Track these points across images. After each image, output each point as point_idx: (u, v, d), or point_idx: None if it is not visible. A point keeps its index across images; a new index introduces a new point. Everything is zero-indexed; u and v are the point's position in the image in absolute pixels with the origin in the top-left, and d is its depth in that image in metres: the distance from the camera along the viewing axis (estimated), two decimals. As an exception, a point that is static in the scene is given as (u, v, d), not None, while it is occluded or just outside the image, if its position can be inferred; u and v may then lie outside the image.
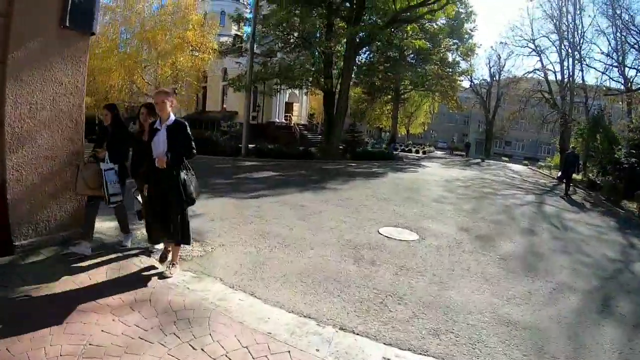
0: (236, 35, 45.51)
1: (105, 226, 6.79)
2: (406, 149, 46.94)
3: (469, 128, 74.30)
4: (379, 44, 28.63)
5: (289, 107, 48.33)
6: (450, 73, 35.60)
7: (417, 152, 46.26)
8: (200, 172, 14.13)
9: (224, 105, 44.91)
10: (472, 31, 35.46)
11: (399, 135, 54.09)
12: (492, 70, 54.01)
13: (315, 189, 13.28)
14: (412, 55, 33.78)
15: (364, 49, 30.85)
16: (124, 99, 32.11)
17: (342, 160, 25.01)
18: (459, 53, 35.71)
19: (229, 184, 14.05)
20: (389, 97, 45.16)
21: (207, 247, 6.78)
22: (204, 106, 47.54)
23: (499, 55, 51.76)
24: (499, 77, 51.37)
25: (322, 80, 25.70)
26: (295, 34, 26.92)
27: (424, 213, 10.41)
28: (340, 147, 27.23)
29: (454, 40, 35.03)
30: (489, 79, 54.36)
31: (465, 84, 48.62)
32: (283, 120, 46.26)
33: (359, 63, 36.17)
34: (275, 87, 30.45)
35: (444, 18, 30.29)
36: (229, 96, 43.64)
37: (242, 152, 23.68)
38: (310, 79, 27.38)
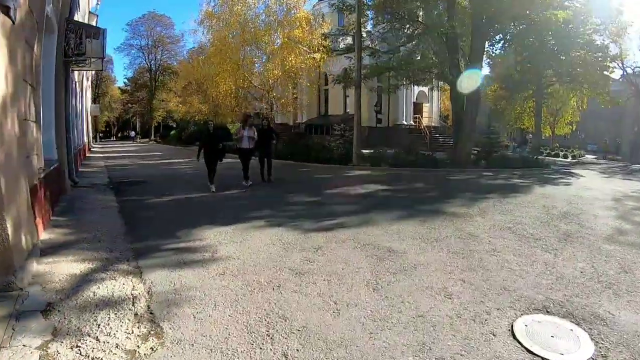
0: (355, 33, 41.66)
1: None
2: (552, 153, 38.66)
3: (622, 127, 61.85)
4: (512, 25, 23.43)
5: (417, 108, 44.03)
6: (599, 59, 28.34)
7: (565, 156, 38.39)
8: (288, 185, 13.61)
9: (347, 109, 41.51)
10: (621, 6, 28.27)
11: (543, 137, 46.97)
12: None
13: (425, 214, 9.03)
14: (552, 43, 27.02)
15: (498, 37, 25.91)
16: (231, 104, 30.57)
17: (474, 168, 20.13)
18: (607, 34, 28.67)
19: (309, 203, 10.70)
20: (530, 92, 38.46)
21: (163, 334, 3.77)
22: (326, 110, 45.00)
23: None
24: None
25: (447, 70, 21.03)
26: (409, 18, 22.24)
27: (597, 271, 5.51)
28: (473, 151, 22.41)
29: (598, 20, 28.05)
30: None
31: (616, 74, 39.38)
32: (411, 123, 42.13)
33: (493, 54, 31.16)
34: (395, 83, 26.27)
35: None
36: (352, 98, 40.60)
37: (353, 159, 20.20)
38: (435, 70, 22.69)
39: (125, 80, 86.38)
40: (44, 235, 6.75)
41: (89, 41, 12.47)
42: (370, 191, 12.65)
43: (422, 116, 43.68)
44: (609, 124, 60.10)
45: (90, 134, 50.64)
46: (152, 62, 77.46)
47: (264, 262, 5.73)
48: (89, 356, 3.31)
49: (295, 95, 32.89)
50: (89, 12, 33.38)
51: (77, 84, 19.86)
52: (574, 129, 50.96)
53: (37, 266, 5.22)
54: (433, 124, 44.39)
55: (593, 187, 14.61)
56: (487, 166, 20.70)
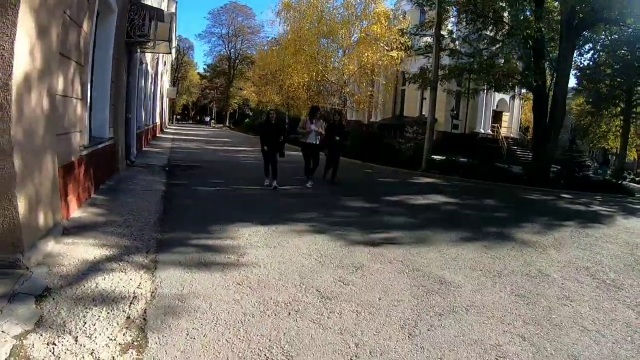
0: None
1: None
2: (637, 179, 34.47)
3: None
4: (606, 28, 21.32)
5: (497, 116, 42.04)
6: None
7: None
8: (347, 187, 12.72)
9: (422, 111, 39.97)
10: None
11: (628, 161, 43.46)
12: None
13: (490, 238, 7.79)
14: None
15: (587, 46, 23.84)
16: (304, 97, 30.03)
17: (552, 188, 18.06)
18: None
19: (363, 210, 9.71)
20: (619, 109, 35.41)
21: (145, 349, 3.20)
22: (401, 111, 43.83)
23: None
24: None
25: (531, 76, 19.38)
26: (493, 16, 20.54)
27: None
28: (553, 169, 20.49)
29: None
30: None
31: None
32: (489, 132, 40.23)
33: (581, 65, 28.82)
34: (475, 88, 24.65)
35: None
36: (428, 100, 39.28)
37: (422, 164, 19.12)
38: (517, 76, 21.00)
39: (205, 67, 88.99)
40: (76, 213, 6.56)
41: (153, 23, 12.49)
42: (434, 202, 11.55)
43: (501, 126, 41.70)
44: None
45: (166, 115, 52.15)
46: (232, 50, 79.24)
47: (291, 276, 4.94)
48: (59, 358, 2.93)
49: (370, 93, 31.92)
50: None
51: (149, 65, 20.05)
52: None
53: (54, 245, 4.98)
54: (512, 135, 42.25)
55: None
56: (566, 187, 18.71)
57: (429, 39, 22.52)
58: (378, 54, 28.10)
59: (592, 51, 25.19)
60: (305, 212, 8.71)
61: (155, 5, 23.19)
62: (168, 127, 51.40)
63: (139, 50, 14.30)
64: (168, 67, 50.40)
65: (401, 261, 5.85)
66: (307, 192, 11.26)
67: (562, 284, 5.60)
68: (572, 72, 23.08)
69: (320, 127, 11.82)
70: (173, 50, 53.65)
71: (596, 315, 4.62)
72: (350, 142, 16.97)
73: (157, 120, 31.24)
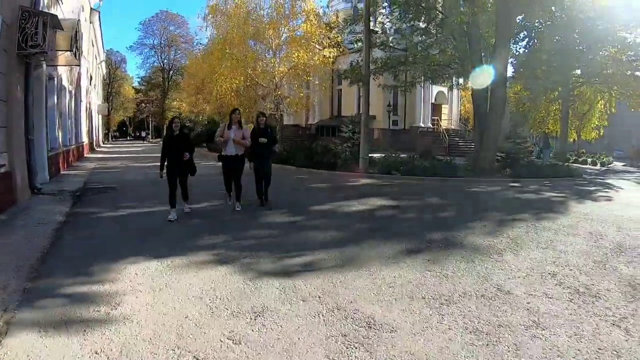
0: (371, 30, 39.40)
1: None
2: (579, 160, 35.92)
3: None
4: (537, 21, 20.85)
5: (436, 109, 41.67)
6: (631, 58, 24.20)
7: (593, 163, 34.79)
8: (279, 195, 11.40)
9: (360, 110, 39.09)
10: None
11: (569, 143, 44.03)
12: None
13: (435, 247, 6.64)
14: (579, 41, 23.59)
15: (522, 34, 23.29)
16: (234, 103, 28.55)
17: (498, 178, 17.48)
18: (638, 31, 25.09)
19: (283, 227, 8.24)
20: (556, 94, 35.43)
21: None
22: (339, 111, 42.91)
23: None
24: None
25: (468, 64, 18.45)
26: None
27: None
28: (497, 158, 19.78)
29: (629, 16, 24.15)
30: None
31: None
32: (429, 125, 39.79)
33: (517, 53, 28.47)
34: (411, 81, 23.67)
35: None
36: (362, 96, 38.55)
37: (359, 165, 17.92)
38: (455, 66, 20.00)
39: (139, 80, 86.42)
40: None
41: (50, 32, 10.73)
42: (370, 208, 10.36)
43: (440, 118, 41.37)
44: (635, 129, 56.53)
45: (99, 133, 49.68)
46: (165, 61, 77.05)
47: (167, 336, 3.61)
48: None
49: (302, 95, 30.62)
50: (91, 8, 31.91)
51: (64, 80, 18.67)
52: (601, 134, 47.94)
53: None
54: (452, 127, 42.00)
55: (638, 202, 12.23)
56: (512, 175, 18.04)
57: (360, 35, 21.45)
58: (309, 54, 26.97)
59: (527, 39, 24.71)
60: (213, 235, 7.34)
61: (72, 16, 21.90)
62: (102, 145, 49.36)
63: (44, 65, 12.85)
64: (98, 82, 48.04)
65: (319, 297, 4.55)
66: (223, 209, 9.90)
67: (528, 303, 4.47)
68: (510, 60, 22.39)
69: (242, 136, 9.70)
70: (103, 64, 52.05)
71: (578, 347, 3.51)
72: (281, 147, 15.83)
73: (84, 139, 29.33)
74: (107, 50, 77.27)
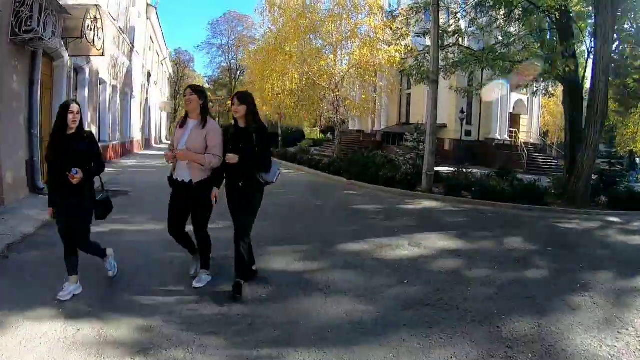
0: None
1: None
2: None
3: None
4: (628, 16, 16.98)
5: (514, 120, 37.31)
6: None
7: None
8: (290, 226, 8.69)
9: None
10: None
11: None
12: None
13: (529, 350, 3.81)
14: None
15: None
16: (290, 104, 26.07)
17: (593, 209, 13.76)
18: None
19: (275, 289, 5.23)
20: None
21: None
22: (407, 117, 39.48)
23: None
24: None
25: (559, 62, 14.84)
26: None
27: None
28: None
29: None
30: None
31: None
32: (506, 138, 35.70)
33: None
34: (487, 83, 20.03)
35: None
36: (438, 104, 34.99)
37: (422, 181, 14.79)
38: (542, 63, 16.16)
39: (206, 79, 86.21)
40: None
41: (54, 17, 9.65)
42: (424, 254, 7.22)
43: (519, 130, 37.16)
44: None
45: (161, 130, 49.01)
46: (232, 61, 75.84)
47: None
48: None
49: (365, 96, 27.57)
50: (147, 3, 30.50)
51: (102, 74, 18.10)
52: None
53: None
54: (531, 141, 37.39)
55: None
56: (609, 205, 14.35)
57: (428, 27, 18.24)
58: (373, 51, 24.07)
59: (617, 41, 20.66)
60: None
61: (118, 9, 20.58)
62: (164, 142, 48.62)
63: (65, 55, 11.91)
64: (162, 79, 48.16)
65: None
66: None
67: None
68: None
69: (203, 142, 4.97)
70: (167, 62, 51.39)
71: None
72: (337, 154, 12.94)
73: (135, 135, 28.36)
74: (176, 50, 78.20)
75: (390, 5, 23.56)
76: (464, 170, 17.09)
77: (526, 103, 38.24)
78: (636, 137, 36.33)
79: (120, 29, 21.22)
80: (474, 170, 17.98)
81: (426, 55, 16.96)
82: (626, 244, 9.18)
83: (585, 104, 16.03)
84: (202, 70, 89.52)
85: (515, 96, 36.35)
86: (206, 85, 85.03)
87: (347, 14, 24.08)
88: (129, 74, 24.52)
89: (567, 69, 14.47)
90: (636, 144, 37.19)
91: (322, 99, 26.24)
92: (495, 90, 26.66)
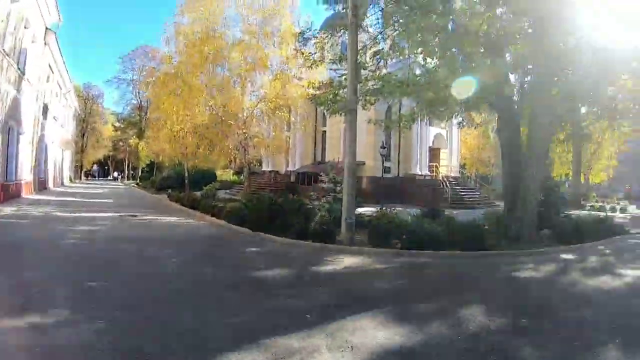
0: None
1: None
2: (597, 207, 31.39)
3: None
4: None
5: (433, 154, 36.23)
6: None
7: (613, 209, 30.71)
8: (173, 317, 5.79)
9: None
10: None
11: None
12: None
13: None
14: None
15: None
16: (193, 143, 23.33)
17: (541, 246, 12.38)
18: None
19: None
20: (566, 133, 30.24)
21: None
22: (322, 156, 37.37)
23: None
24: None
25: (494, 87, 12.91)
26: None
27: None
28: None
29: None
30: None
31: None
32: (427, 173, 34.35)
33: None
34: (411, 115, 17.81)
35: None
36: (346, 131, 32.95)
37: (341, 230, 12.20)
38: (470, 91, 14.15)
39: (116, 117, 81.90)
40: None
41: None
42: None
43: (439, 164, 36.05)
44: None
45: (62, 171, 44.53)
46: (143, 98, 71.41)
47: None
48: None
49: (275, 132, 24.83)
50: (46, 27, 26.91)
51: None
52: (611, 175, 44.34)
53: None
54: (452, 174, 36.41)
55: None
56: (553, 237, 13.40)
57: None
58: (285, 85, 21.84)
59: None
60: None
61: (24, 35, 17.51)
62: (65, 184, 45.26)
63: None
64: (65, 114, 44.55)
65: None
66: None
67: None
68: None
69: None
70: (71, 95, 46.77)
71: None
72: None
73: (23, 176, 24.78)
74: (85, 84, 73.12)
75: (302, 30, 21.07)
76: (388, 209, 14.97)
77: (445, 136, 37.34)
78: (554, 162, 36.72)
79: (4, 51, 18.37)
80: (398, 209, 15.96)
81: (342, 81, 14.71)
82: (598, 289, 8.36)
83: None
84: (111, 107, 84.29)
85: (434, 130, 35.39)
86: (116, 124, 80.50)
87: (257, 42, 21.73)
88: (15, 105, 21.47)
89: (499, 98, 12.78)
90: (552, 169, 37.48)
91: (227, 136, 23.33)
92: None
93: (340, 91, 14.45)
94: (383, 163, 25.33)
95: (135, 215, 18.08)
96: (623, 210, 31.60)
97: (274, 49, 22.10)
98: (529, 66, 13.47)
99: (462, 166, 46.08)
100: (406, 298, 7.25)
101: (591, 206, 31.79)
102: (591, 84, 13.11)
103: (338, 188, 15.06)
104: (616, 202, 36.18)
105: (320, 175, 17.04)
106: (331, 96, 14.53)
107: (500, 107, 13.98)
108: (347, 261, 10.09)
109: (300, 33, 16.80)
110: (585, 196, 37.41)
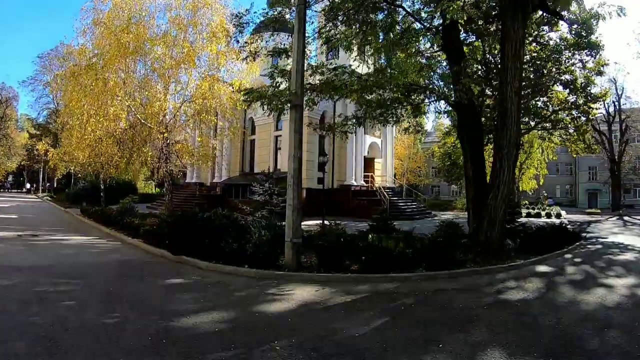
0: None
1: None
2: (533, 213, 33.55)
3: (577, 177, 59.94)
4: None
5: (368, 164, 34.68)
6: (581, 99, 19.53)
7: (548, 215, 33.19)
8: None
9: (278, 166, 31.15)
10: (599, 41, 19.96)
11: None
12: (617, 95, 43.48)
13: None
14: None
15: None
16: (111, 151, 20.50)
17: (513, 260, 11.13)
18: (586, 72, 20.02)
19: None
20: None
21: None
22: (251, 166, 34.92)
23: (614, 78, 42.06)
24: (619, 106, 44.48)
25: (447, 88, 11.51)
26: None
27: None
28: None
29: (580, 56, 18.85)
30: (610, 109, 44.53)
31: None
32: (362, 183, 32.74)
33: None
34: (350, 121, 15.83)
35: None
36: (284, 152, 30.62)
37: (285, 253, 9.93)
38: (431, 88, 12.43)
39: (30, 123, 75.78)
40: None
41: None
42: None
43: (374, 174, 34.60)
44: (564, 176, 61.05)
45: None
46: (60, 102, 66.10)
47: None
48: None
49: (200, 139, 21.89)
50: None
51: None
52: (542, 182, 46.39)
53: None
54: (387, 185, 35.05)
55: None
56: (518, 250, 12.38)
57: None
58: (214, 86, 19.39)
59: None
60: None
61: None
62: None
63: None
64: None
65: None
66: None
67: None
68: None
69: None
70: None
71: None
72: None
73: None
74: (-1, 83, 66.73)
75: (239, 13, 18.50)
76: (331, 224, 13.12)
77: (380, 145, 36.00)
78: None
79: None
80: (343, 223, 14.12)
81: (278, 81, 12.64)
82: (615, 311, 7.29)
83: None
84: (26, 111, 77.96)
85: (369, 139, 33.91)
86: (32, 131, 74.23)
87: (184, 36, 19.20)
88: None
89: (463, 94, 11.20)
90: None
91: (146, 142, 20.35)
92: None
93: (281, 86, 12.33)
94: (324, 173, 23.16)
95: (36, 235, 15.13)
96: (558, 215, 32.99)
97: (203, 45, 19.56)
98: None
99: (394, 176, 45.36)
100: (405, 348, 5.33)
101: (527, 213, 32.97)
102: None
103: (275, 200, 12.96)
104: (548, 207, 38.35)
105: (254, 186, 14.73)
106: (269, 92, 12.29)
107: (461, 104, 12.42)
108: (299, 294, 7.93)
109: (236, 16, 14.49)
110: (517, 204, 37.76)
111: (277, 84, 12.69)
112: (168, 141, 19.65)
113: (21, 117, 77.23)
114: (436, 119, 55.05)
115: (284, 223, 10.41)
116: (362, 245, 10.04)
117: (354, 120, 15.19)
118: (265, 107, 11.80)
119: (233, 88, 20.08)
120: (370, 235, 11.04)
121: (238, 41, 16.46)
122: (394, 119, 16.35)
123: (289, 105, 11.29)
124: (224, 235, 10.69)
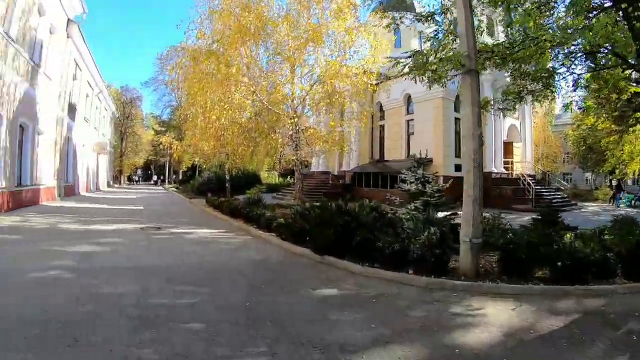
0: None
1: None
2: None
3: None
4: None
5: (507, 149, 31.47)
6: None
7: None
8: None
9: (410, 151, 28.53)
10: None
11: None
12: None
13: None
14: None
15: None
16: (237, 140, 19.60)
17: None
18: None
19: None
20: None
21: None
22: (381, 154, 33.10)
23: None
24: None
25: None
26: None
27: None
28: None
29: None
30: None
31: None
32: (503, 170, 29.76)
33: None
34: (516, 91, 13.27)
35: None
36: (417, 137, 28.58)
37: (460, 260, 7.97)
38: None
39: (156, 119, 79.97)
40: None
41: None
42: None
43: (513, 160, 31.43)
44: None
45: (96, 175, 43.77)
46: (182, 99, 68.91)
47: None
48: None
49: (332, 124, 20.43)
50: (69, 18, 24.37)
51: None
52: None
53: None
54: (527, 172, 31.61)
55: None
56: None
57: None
58: (343, 68, 17.87)
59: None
60: None
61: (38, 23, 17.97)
62: (101, 189, 43.81)
63: None
64: (97, 116, 42.83)
65: None
66: None
67: None
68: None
69: None
70: (104, 96, 44.27)
71: None
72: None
73: (47, 181, 22.98)
74: (122, 87, 71.32)
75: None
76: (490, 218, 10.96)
77: (519, 128, 32.68)
78: (634, 159, 32.22)
79: (7, 35, 15.77)
80: (502, 215, 12.04)
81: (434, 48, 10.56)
82: None
83: None
84: (150, 109, 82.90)
85: (508, 121, 30.77)
86: (157, 127, 78.39)
87: (307, 13, 17.83)
88: (29, 100, 19.01)
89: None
90: (629, 166, 33.12)
91: (274, 130, 19.26)
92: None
93: (438, 54, 10.22)
94: (478, 139, 20.72)
95: (159, 228, 14.37)
96: None
97: (328, 22, 18.07)
98: None
99: (536, 161, 42.08)
100: None
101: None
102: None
103: (429, 190, 11.01)
104: None
105: (402, 173, 12.77)
106: (431, 58, 10.19)
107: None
108: (493, 314, 5.93)
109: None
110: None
111: (443, 45, 10.55)
112: (298, 127, 18.40)
113: (147, 115, 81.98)
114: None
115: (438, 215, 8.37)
116: (555, 247, 7.77)
117: (516, 95, 12.70)
118: (425, 78, 9.76)
119: (364, 68, 18.45)
120: (567, 235, 8.73)
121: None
122: (552, 94, 13.65)
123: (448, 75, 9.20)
124: (378, 233, 8.86)
